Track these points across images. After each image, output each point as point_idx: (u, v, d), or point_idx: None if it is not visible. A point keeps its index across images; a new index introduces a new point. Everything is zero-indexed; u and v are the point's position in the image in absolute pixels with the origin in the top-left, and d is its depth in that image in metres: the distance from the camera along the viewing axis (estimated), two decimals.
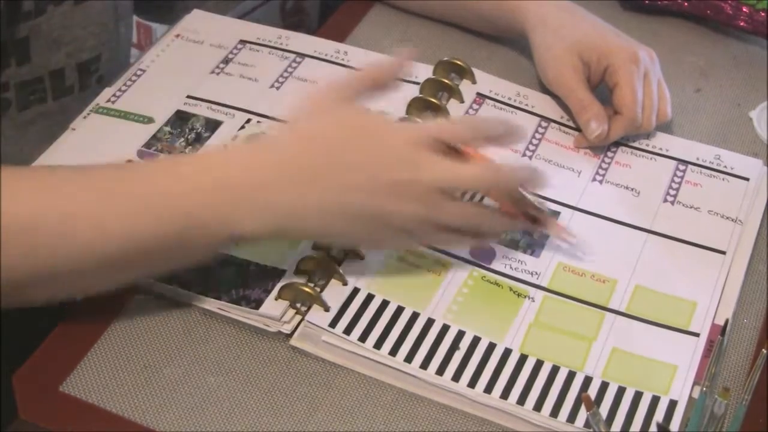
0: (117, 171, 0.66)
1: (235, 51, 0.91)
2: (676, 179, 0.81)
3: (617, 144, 0.84)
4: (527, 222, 0.72)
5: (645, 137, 0.85)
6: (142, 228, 0.62)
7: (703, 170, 0.82)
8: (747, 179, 0.81)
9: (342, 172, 0.64)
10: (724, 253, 0.75)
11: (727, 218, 0.78)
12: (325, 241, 0.70)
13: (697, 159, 0.83)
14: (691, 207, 0.79)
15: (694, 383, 0.67)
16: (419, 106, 0.84)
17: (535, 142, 0.83)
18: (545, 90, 0.88)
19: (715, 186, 0.81)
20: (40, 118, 0.87)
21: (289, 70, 0.89)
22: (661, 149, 0.84)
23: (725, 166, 0.83)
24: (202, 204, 0.63)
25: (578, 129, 0.84)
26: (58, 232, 0.61)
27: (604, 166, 0.82)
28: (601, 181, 0.81)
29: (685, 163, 0.83)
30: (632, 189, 0.80)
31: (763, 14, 0.95)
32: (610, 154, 0.83)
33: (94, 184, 0.64)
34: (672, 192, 0.80)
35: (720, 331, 0.69)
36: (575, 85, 0.83)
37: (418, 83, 0.86)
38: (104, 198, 0.63)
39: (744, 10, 0.96)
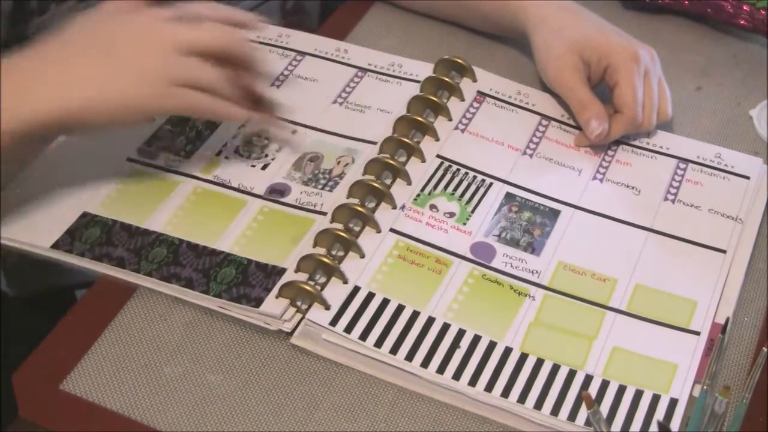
0: None
1: None
2: (677, 178, 0.81)
3: (618, 143, 0.84)
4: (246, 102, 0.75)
5: (645, 136, 0.85)
6: None
7: (704, 169, 0.82)
8: (747, 178, 0.81)
9: (102, 41, 0.71)
10: (724, 251, 0.75)
11: (728, 217, 0.78)
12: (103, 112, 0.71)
13: (698, 157, 0.83)
14: (691, 205, 0.79)
15: (695, 382, 0.67)
16: (419, 105, 0.84)
17: (535, 140, 0.83)
18: (546, 89, 0.88)
19: (715, 185, 0.81)
20: None
21: (290, 68, 0.89)
22: (661, 147, 0.84)
23: (726, 165, 0.82)
24: None
25: (579, 128, 0.84)
26: None
27: (605, 164, 0.82)
28: (601, 180, 0.81)
29: (686, 161, 0.83)
30: (633, 187, 0.80)
31: (763, 13, 0.95)
32: (610, 152, 0.83)
33: None
34: (672, 190, 0.80)
35: (720, 330, 0.69)
36: (575, 85, 0.83)
37: (418, 81, 0.86)
38: None
39: (744, 8, 0.96)
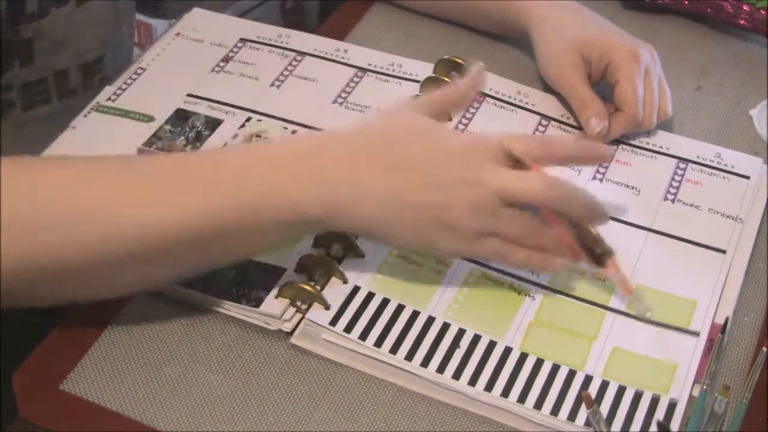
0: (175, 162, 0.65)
1: (235, 49, 0.91)
2: (677, 177, 0.81)
3: (617, 142, 0.84)
4: (584, 257, 0.69)
5: (645, 135, 0.85)
6: (201, 208, 0.61)
7: (704, 169, 0.82)
8: (747, 177, 0.81)
9: (401, 164, 0.64)
10: (724, 252, 0.75)
11: (728, 217, 0.78)
12: (377, 235, 0.66)
13: (698, 157, 0.83)
14: (691, 205, 0.79)
15: (695, 382, 0.67)
16: None
17: None
18: (546, 88, 0.88)
19: (715, 184, 0.81)
20: (44, 118, 0.87)
21: (290, 68, 0.89)
22: (661, 147, 0.84)
23: (726, 165, 0.82)
24: (260, 179, 0.62)
25: (579, 127, 0.84)
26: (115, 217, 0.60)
27: (605, 164, 0.82)
28: (601, 180, 0.81)
29: (686, 161, 0.83)
30: (633, 187, 0.80)
31: (763, 12, 0.95)
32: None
33: (144, 174, 0.63)
34: (672, 190, 0.80)
35: (720, 330, 0.69)
36: (576, 83, 0.83)
37: (418, 81, 0.86)
38: (169, 184, 0.62)
39: (744, 8, 0.96)
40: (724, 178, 0.81)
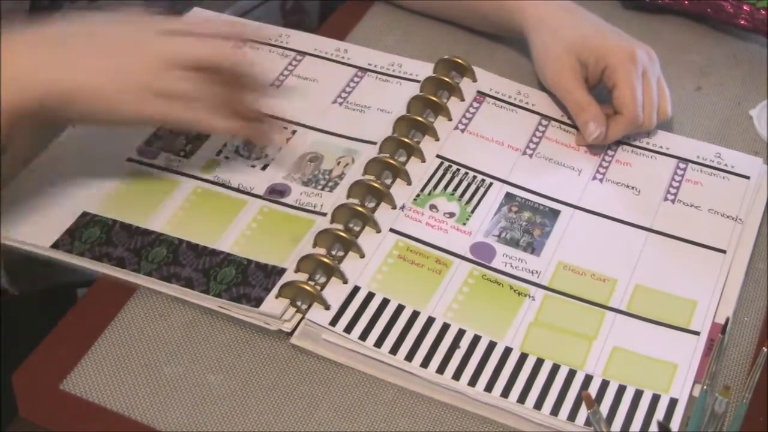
0: None
1: None
2: (677, 177, 0.81)
3: (618, 142, 0.84)
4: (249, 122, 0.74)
5: (645, 135, 0.85)
6: None
7: (704, 169, 0.82)
8: (747, 177, 0.81)
9: (105, 45, 0.71)
10: (724, 252, 0.75)
11: (728, 217, 0.78)
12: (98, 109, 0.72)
13: (698, 157, 0.83)
14: (691, 206, 0.79)
15: (695, 382, 0.67)
16: (419, 105, 0.84)
17: (535, 140, 0.83)
18: (546, 88, 0.88)
19: (715, 184, 0.81)
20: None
21: (290, 68, 0.89)
22: (661, 147, 0.84)
23: (726, 165, 0.82)
24: None
25: (578, 128, 0.84)
26: None
27: (605, 164, 0.82)
28: (601, 180, 0.81)
29: (686, 161, 0.83)
30: (633, 187, 0.80)
31: (763, 12, 0.95)
32: (610, 152, 0.83)
33: None
34: (672, 190, 0.80)
35: (720, 330, 0.69)
36: (573, 87, 0.83)
37: (418, 81, 0.86)
38: None
39: (744, 8, 0.96)
40: (724, 178, 0.81)
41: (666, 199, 0.79)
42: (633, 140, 0.84)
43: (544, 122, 0.85)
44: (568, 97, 0.84)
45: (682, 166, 0.82)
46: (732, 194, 0.80)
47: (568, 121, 0.85)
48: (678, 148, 0.84)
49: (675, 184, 0.81)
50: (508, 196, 0.78)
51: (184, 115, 0.72)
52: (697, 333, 0.69)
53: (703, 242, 0.76)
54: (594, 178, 0.81)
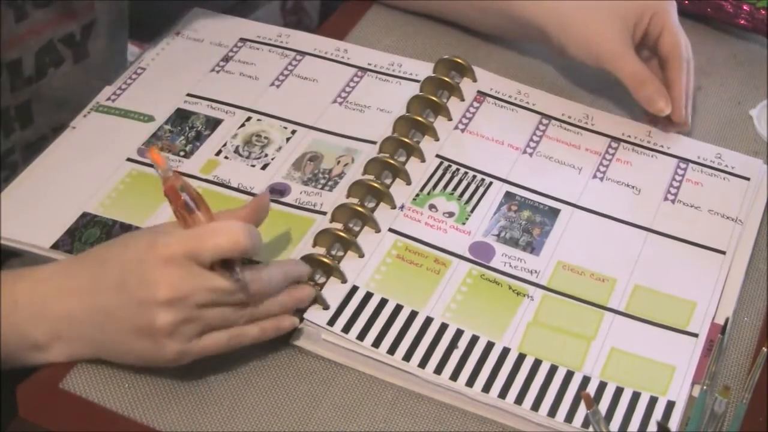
0: None
1: (235, 49, 0.91)
2: (677, 177, 0.81)
3: (618, 141, 0.84)
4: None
5: (646, 134, 0.84)
6: None
7: (704, 169, 0.82)
8: (747, 179, 0.81)
9: (99, 287, 0.64)
10: (724, 253, 0.75)
11: (728, 218, 0.78)
12: (98, 355, 0.67)
13: (698, 158, 0.83)
14: (691, 206, 0.79)
15: (694, 383, 0.67)
16: (419, 105, 0.84)
17: (536, 139, 0.83)
18: (546, 88, 0.88)
19: (715, 185, 0.81)
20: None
21: (290, 68, 0.89)
22: (662, 147, 0.84)
23: (726, 166, 0.82)
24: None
25: (579, 126, 0.84)
26: None
27: (605, 163, 0.82)
28: (602, 179, 0.81)
29: (686, 161, 0.83)
30: (633, 186, 0.80)
31: (763, 12, 0.95)
32: (611, 151, 0.83)
33: None
34: (673, 191, 0.80)
35: (720, 330, 0.69)
36: (627, 57, 0.80)
37: (418, 81, 0.86)
38: None
39: (744, 8, 0.95)
40: (724, 179, 0.81)
41: (666, 199, 0.79)
42: (634, 138, 0.84)
43: (545, 121, 0.85)
44: (625, 68, 0.80)
45: (682, 166, 0.82)
46: (732, 195, 0.80)
47: (569, 120, 0.85)
48: (679, 148, 0.84)
49: (675, 184, 0.81)
50: (508, 195, 0.78)
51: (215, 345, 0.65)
52: (695, 335, 0.69)
53: (702, 243, 0.76)
54: (594, 176, 0.81)
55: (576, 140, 0.84)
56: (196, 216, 0.65)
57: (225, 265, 0.63)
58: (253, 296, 0.64)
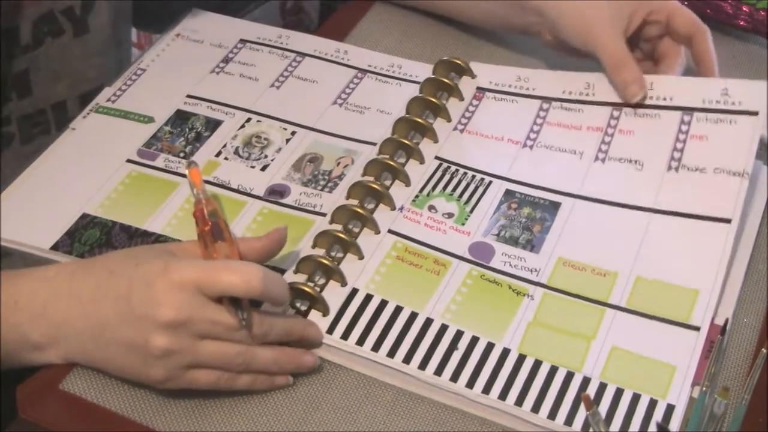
0: None
1: (235, 50, 0.91)
2: (681, 136, 0.79)
3: (620, 107, 0.82)
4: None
5: (649, 86, 0.82)
6: None
7: (710, 116, 0.79)
8: (756, 114, 0.78)
9: (104, 297, 0.64)
10: (728, 221, 0.73)
11: (734, 174, 0.75)
12: (92, 365, 0.67)
13: (704, 101, 0.80)
14: (696, 169, 0.77)
15: (694, 384, 0.66)
16: (419, 106, 0.84)
17: (536, 128, 0.83)
18: (547, 66, 0.86)
19: (721, 133, 0.78)
20: (44, 150, 0.86)
21: (290, 69, 0.89)
22: (665, 99, 0.81)
23: (733, 103, 0.79)
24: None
25: (582, 101, 0.83)
26: None
27: (607, 139, 0.80)
28: (603, 159, 0.79)
29: (691, 111, 0.80)
30: (635, 161, 0.78)
31: (763, 13, 0.95)
32: (612, 122, 0.81)
33: None
34: (677, 155, 0.78)
35: (720, 331, 0.69)
36: (609, 38, 0.81)
37: (418, 82, 0.86)
38: None
39: (744, 9, 0.95)
40: (731, 122, 0.78)
41: (670, 167, 0.77)
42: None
43: (545, 105, 0.84)
44: (607, 49, 0.81)
45: (686, 119, 0.80)
46: (739, 141, 0.77)
47: (570, 98, 0.84)
48: (682, 96, 0.81)
49: (679, 146, 0.78)
50: (508, 193, 0.78)
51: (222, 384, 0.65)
52: (697, 328, 0.69)
53: (707, 214, 0.74)
54: (596, 158, 0.79)
55: (577, 120, 0.82)
56: (218, 245, 0.65)
57: (233, 302, 0.63)
58: (253, 339, 0.64)
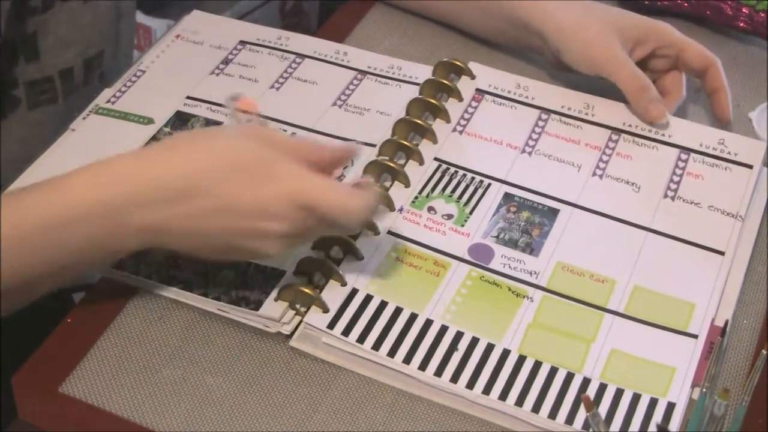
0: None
1: (234, 52, 0.91)
2: (678, 171, 0.80)
3: (619, 132, 0.83)
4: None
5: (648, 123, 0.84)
6: (21, 261, 0.62)
7: (706, 159, 0.81)
8: (750, 167, 0.80)
9: (212, 206, 0.63)
10: (722, 254, 0.75)
11: (728, 214, 0.77)
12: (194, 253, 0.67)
13: (701, 145, 0.82)
14: (691, 203, 0.78)
15: (693, 385, 0.67)
16: (419, 107, 0.84)
17: (534, 136, 0.83)
18: (548, 80, 0.87)
19: (717, 177, 0.80)
20: (51, 119, 0.87)
21: (289, 70, 0.89)
22: (663, 135, 0.83)
23: (729, 153, 0.81)
24: (86, 231, 0.63)
25: (580, 119, 0.83)
26: None
27: (605, 158, 0.81)
28: (601, 176, 0.80)
29: (688, 151, 0.82)
30: (633, 183, 0.80)
31: (762, 15, 0.95)
32: (611, 144, 0.82)
33: None
34: (673, 186, 0.79)
35: (720, 332, 0.69)
36: (625, 62, 0.82)
37: (418, 84, 0.86)
38: None
39: (744, 11, 0.96)
40: (726, 168, 0.80)
41: (666, 195, 0.79)
42: (635, 128, 0.83)
43: (544, 116, 0.85)
44: (622, 72, 0.82)
45: (683, 157, 0.81)
46: (733, 187, 0.79)
47: (569, 113, 0.85)
48: (681, 136, 0.83)
49: (676, 179, 0.80)
50: (507, 197, 0.78)
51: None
52: (695, 336, 0.69)
53: (702, 243, 0.76)
54: (594, 174, 0.80)
55: (576, 135, 0.83)
56: None
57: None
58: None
